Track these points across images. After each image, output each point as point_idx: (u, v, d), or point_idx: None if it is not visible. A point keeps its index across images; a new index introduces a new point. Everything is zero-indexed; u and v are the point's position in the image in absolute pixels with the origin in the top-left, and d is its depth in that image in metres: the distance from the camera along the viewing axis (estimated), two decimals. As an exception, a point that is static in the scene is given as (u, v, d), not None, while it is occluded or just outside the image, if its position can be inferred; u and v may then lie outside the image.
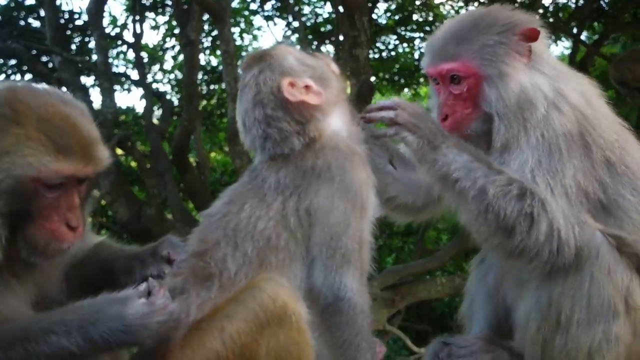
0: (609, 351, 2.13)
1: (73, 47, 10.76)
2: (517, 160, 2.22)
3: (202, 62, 12.07)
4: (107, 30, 10.86)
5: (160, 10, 11.37)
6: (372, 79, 10.92)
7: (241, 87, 2.23)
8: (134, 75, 11.86)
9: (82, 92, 9.37)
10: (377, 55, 12.35)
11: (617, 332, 2.13)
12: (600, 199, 2.22)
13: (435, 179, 2.26)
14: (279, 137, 2.13)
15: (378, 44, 12.18)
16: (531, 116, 2.26)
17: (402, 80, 12.65)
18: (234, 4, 11.56)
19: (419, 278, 8.91)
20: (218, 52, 11.40)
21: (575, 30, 10.09)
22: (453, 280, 8.36)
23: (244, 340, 1.72)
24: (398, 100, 2.33)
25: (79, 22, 10.69)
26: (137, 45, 10.93)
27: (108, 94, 9.65)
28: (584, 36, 11.21)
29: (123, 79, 11.92)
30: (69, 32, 10.61)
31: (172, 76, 12.64)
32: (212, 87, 12.35)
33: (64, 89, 9.79)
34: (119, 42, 11.76)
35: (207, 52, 12.26)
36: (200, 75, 11.83)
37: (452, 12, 11.22)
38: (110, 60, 11.23)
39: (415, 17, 11.64)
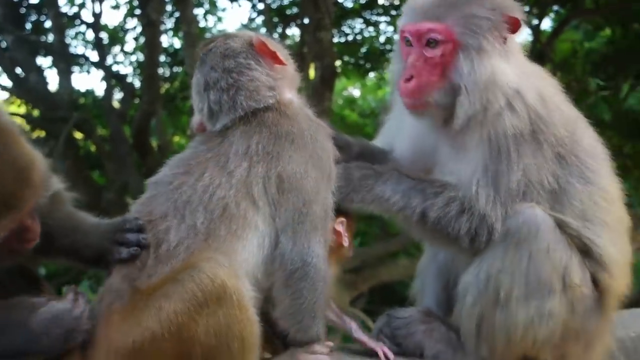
0: (542, 326, 2.16)
1: (28, 25, 10.37)
2: (466, 167, 2.27)
3: (165, 44, 11.82)
4: (64, 9, 10.51)
5: (120, -12, 11.06)
6: (338, 63, 10.88)
7: (202, 58, 2.19)
8: (93, 56, 11.54)
9: (37, 73, 9.05)
10: (342, 39, 12.28)
11: (551, 309, 2.16)
12: (554, 189, 2.27)
13: (382, 211, 2.36)
14: (251, 86, 2.12)
15: (344, 28, 12.11)
16: (491, 102, 2.27)
17: (368, 65, 12.64)
18: (198, -15, 11.33)
19: (381, 260, 8.98)
20: (181, 34, 11.15)
21: (536, 21, 10.21)
22: (414, 262, 8.44)
23: (180, 319, 1.68)
24: None
25: (34, 0, 10.30)
26: (96, 26, 10.63)
27: (65, 75, 9.39)
28: (547, 22, 11.40)
29: (82, 60, 11.56)
30: (23, 11, 10.21)
31: (133, 58, 12.35)
32: (174, 69, 12.11)
33: (18, 69, 9.45)
34: (77, 22, 11.39)
35: (170, 33, 12.00)
36: (162, 58, 11.58)
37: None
38: (68, 40, 10.89)
39: (381, 1, 11.61)
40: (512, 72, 2.29)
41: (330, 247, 2.35)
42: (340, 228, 2.39)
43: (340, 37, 12.21)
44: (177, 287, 1.70)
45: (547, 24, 11.62)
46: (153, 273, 1.82)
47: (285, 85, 2.23)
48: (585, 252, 2.26)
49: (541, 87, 2.36)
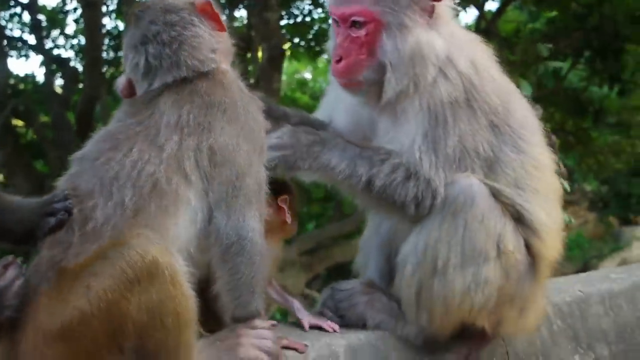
0: (478, 293, 2.22)
1: (-42, 7, 9.83)
2: (406, 135, 2.29)
3: (109, 27, 11.42)
4: (-3, -10, 9.99)
5: (58, -32, 10.60)
6: (287, 45, 10.80)
7: (138, 15, 2.10)
8: (32, 40, 11.03)
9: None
10: (291, 21, 12.17)
11: (487, 275, 2.22)
12: (489, 157, 2.33)
13: (327, 180, 2.37)
14: (195, 42, 2.06)
15: (292, 9, 11.99)
16: (421, 74, 2.30)
17: (318, 47, 12.58)
18: (140, -36, 10.94)
19: (335, 241, 9.06)
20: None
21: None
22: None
23: (110, 297, 1.62)
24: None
25: (-37, -20, 9.76)
26: (33, 7, 10.16)
27: (0, 59, 8.93)
28: (493, 4, 11.59)
29: (19, 43, 11.05)
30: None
31: (75, 41, 11.88)
32: (119, 53, 11.72)
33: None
34: (12, 3, 10.84)
35: (113, 15, 11.58)
36: (107, 41, 11.21)
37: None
38: (3, 23, 10.38)
39: (329, -19, 11.50)
40: (441, 42, 2.32)
41: (275, 224, 2.36)
42: (283, 205, 2.40)
43: (289, 18, 12.10)
44: (106, 265, 1.65)
45: (492, 5, 11.84)
46: (80, 252, 1.76)
47: (222, 54, 2.19)
48: (518, 219, 2.32)
49: (474, 56, 2.39)
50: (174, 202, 1.86)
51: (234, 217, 1.92)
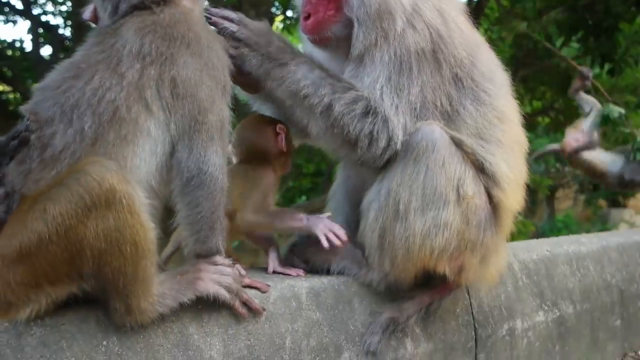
0: (438, 236, 2.26)
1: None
2: (370, 75, 2.30)
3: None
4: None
5: None
6: (280, 18, 10.71)
7: None
8: (19, 5, 10.86)
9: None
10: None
11: (446, 219, 2.26)
12: (447, 110, 2.35)
13: (284, 95, 2.31)
14: None
15: (285, -19, 11.85)
16: (389, 27, 2.32)
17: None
18: None
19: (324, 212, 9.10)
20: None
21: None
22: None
23: (68, 221, 1.65)
24: (241, 16, 2.32)
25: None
26: (20, -28, 9.98)
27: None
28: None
29: (6, 9, 10.88)
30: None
31: (63, 8, 11.70)
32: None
33: None
34: (0, -33, 10.66)
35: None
36: (94, 7, 11.02)
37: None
38: (-11, -13, 10.22)
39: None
40: None
41: (272, 154, 2.50)
42: (281, 132, 2.50)
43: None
44: (63, 190, 1.67)
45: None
46: (39, 178, 1.78)
47: None
48: (479, 168, 2.36)
49: (442, 6, 2.41)
50: (133, 131, 1.87)
51: (196, 151, 1.94)
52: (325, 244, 2.27)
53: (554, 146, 7.41)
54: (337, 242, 2.28)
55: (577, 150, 6.35)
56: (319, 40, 2.44)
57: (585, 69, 6.75)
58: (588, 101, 6.55)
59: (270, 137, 2.50)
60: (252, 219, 2.37)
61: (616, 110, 6.22)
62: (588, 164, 6.33)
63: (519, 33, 9.06)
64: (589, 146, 6.33)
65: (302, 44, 2.70)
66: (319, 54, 2.53)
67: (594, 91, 6.89)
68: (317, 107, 2.24)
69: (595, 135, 6.45)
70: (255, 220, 2.38)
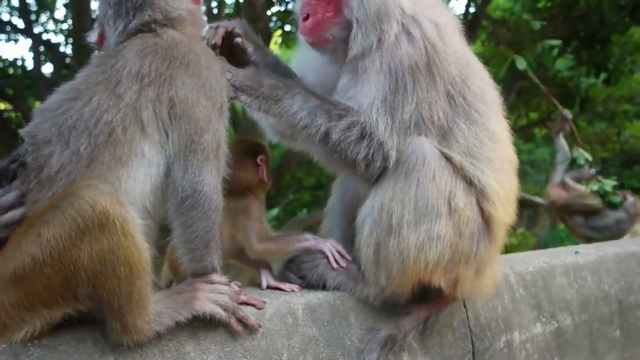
0: (432, 248, 2.28)
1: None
2: (367, 96, 2.33)
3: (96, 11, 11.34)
4: (-15, -27, 9.94)
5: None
6: (279, 32, 10.79)
7: None
8: (21, 24, 10.98)
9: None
10: (282, 8, 12.14)
11: (439, 231, 2.28)
12: (443, 125, 2.38)
13: (285, 128, 2.42)
14: None
15: (283, -4, 11.96)
16: (386, 30, 2.34)
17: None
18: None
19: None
20: None
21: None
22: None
23: (62, 244, 1.67)
24: (229, 65, 2.36)
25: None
26: (21, -9, 10.10)
27: (-12, 42, 8.89)
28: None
29: (8, 27, 11.00)
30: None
31: (64, 26, 11.83)
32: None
33: None
34: (1, -13, 10.80)
35: None
36: (95, 26, 11.13)
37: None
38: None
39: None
40: (406, 0, 2.37)
41: (254, 182, 2.55)
42: (262, 164, 2.55)
43: (280, 5, 12.07)
44: (57, 214, 1.69)
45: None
46: (36, 199, 1.81)
47: (193, 22, 2.22)
48: (469, 183, 2.37)
49: (438, 19, 2.43)
50: (127, 152, 1.89)
51: (191, 171, 1.96)
52: (334, 264, 2.40)
53: (542, 201, 7.79)
54: (342, 262, 2.40)
55: (567, 203, 6.60)
56: (317, 42, 2.45)
57: (566, 112, 7.03)
58: (563, 147, 6.86)
59: (251, 170, 2.53)
60: (261, 249, 2.45)
61: (583, 157, 6.52)
62: (585, 206, 6.57)
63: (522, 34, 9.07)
64: (572, 191, 6.64)
65: (299, 49, 2.72)
66: (315, 59, 2.55)
67: (569, 135, 7.21)
68: (315, 136, 2.31)
69: (569, 180, 6.75)
70: (266, 250, 2.45)
